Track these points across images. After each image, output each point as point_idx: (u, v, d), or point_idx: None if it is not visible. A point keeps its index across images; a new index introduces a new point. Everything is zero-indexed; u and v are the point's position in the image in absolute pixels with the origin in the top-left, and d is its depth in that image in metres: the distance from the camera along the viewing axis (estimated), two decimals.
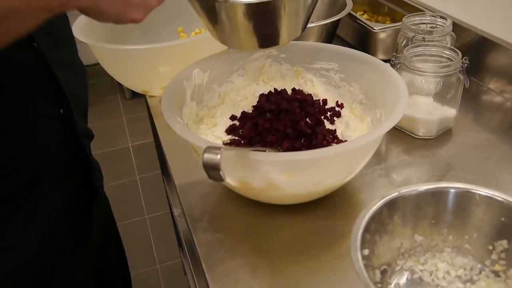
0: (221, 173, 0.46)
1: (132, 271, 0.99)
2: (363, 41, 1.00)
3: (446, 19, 0.81)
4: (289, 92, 0.73)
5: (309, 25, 0.90)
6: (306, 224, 0.60)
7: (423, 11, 0.97)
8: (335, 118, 0.70)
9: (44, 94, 0.60)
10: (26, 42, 0.56)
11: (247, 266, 0.56)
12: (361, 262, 0.43)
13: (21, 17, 0.40)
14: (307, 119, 0.67)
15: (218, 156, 0.46)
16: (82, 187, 0.69)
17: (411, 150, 0.73)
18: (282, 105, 0.68)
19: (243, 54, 0.73)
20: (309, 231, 0.59)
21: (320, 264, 0.55)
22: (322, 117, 0.69)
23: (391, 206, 0.50)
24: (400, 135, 0.76)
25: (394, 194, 0.50)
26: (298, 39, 0.67)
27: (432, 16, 0.83)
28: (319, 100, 0.72)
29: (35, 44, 0.58)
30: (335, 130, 0.67)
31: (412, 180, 0.67)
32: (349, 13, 0.97)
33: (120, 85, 2.75)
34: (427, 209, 0.52)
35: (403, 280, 0.51)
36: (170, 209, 1.41)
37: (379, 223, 0.49)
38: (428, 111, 0.72)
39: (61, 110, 0.62)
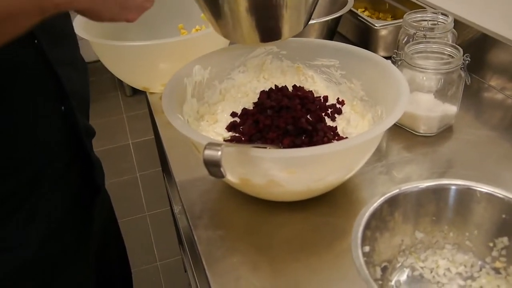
0: (222, 169, 0.46)
1: (132, 268, 0.99)
2: (364, 38, 1.00)
3: (448, 16, 0.81)
4: (290, 89, 0.73)
5: (310, 22, 0.90)
6: (307, 221, 0.60)
7: (424, 8, 0.97)
8: (336, 115, 0.70)
9: (45, 92, 0.60)
10: (27, 40, 0.56)
11: (248, 263, 0.56)
12: (361, 259, 0.43)
13: (15, 19, 0.40)
14: (308, 116, 0.67)
15: (219, 153, 0.46)
16: (83, 185, 0.69)
17: (412, 147, 0.73)
18: (283, 102, 0.68)
19: (244, 50, 0.73)
20: (309, 228, 0.59)
21: (321, 261, 0.55)
22: (323, 114, 0.69)
23: (392, 203, 0.50)
24: (401, 132, 0.76)
25: (395, 191, 0.50)
26: (299, 35, 0.67)
27: (433, 13, 0.82)
28: (320, 97, 0.72)
29: (36, 42, 0.57)
30: (336, 127, 0.67)
31: (412, 177, 0.67)
32: (350, 10, 0.97)
33: (120, 82, 2.75)
34: (428, 206, 0.52)
35: (403, 277, 0.51)
36: (171, 206, 1.42)
37: (380, 220, 0.49)
38: (429, 108, 0.72)
39: (63, 108, 0.62)
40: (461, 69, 0.71)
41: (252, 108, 0.71)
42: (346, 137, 0.66)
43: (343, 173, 0.59)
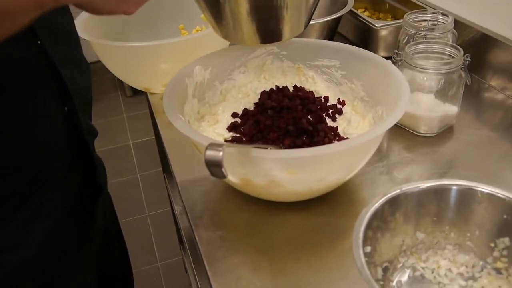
0: (223, 170, 0.46)
1: (133, 269, 0.99)
2: (364, 38, 1.00)
3: (448, 16, 0.81)
4: (291, 89, 0.73)
5: (311, 22, 0.90)
6: (308, 221, 0.60)
7: (425, 8, 0.97)
8: (336, 115, 0.70)
9: (48, 92, 0.60)
10: (29, 40, 0.56)
11: (249, 263, 0.56)
12: (363, 259, 0.43)
13: (14, 14, 0.40)
14: (309, 117, 0.67)
15: (221, 153, 0.46)
16: (85, 186, 0.69)
17: (413, 147, 0.73)
18: (283, 102, 0.68)
19: (244, 51, 0.73)
20: (310, 228, 0.59)
21: (322, 261, 0.55)
22: (324, 114, 0.69)
23: (393, 203, 0.50)
24: (401, 132, 0.76)
25: (396, 191, 0.50)
26: (299, 36, 0.67)
27: (433, 13, 0.82)
28: (321, 97, 0.72)
29: (38, 42, 0.57)
30: (336, 127, 0.67)
31: (413, 177, 0.67)
32: (350, 10, 0.97)
33: (120, 83, 2.75)
34: (429, 206, 0.52)
35: (404, 278, 0.51)
36: (171, 206, 1.42)
37: (381, 220, 0.49)
38: (430, 108, 0.72)
39: (66, 108, 0.62)
40: (461, 69, 0.71)
41: (253, 108, 0.71)
42: (347, 138, 0.66)
43: (344, 174, 0.59)
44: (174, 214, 1.39)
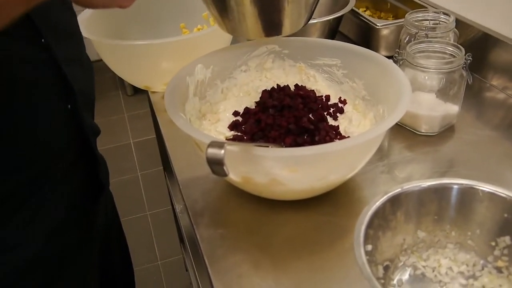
0: (224, 168, 0.46)
1: (133, 267, 0.99)
2: (366, 37, 1.00)
3: (449, 16, 0.81)
4: (292, 88, 0.73)
5: (312, 21, 0.90)
6: (309, 220, 0.60)
7: (426, 8, 0.97)
8: (338, 114, 0.70)
9: (51, 90, 0.59)
10: (33, 38, 0.56)
11: (250, 261, 0.56)
12: (364, 258, 0.43)
13: (1, 9, 0.40)
14: (310, 115, 0.67)
15: (222, 151, 0.46)
16: (87, 184, 0.69)
17: (414, 146, 0.73)
18: (285, 101, 0.68)
19: (246, 50, 0.73)
20: (311, 227, 0.60)
21: (323, 259, 0.55)
22: (325, 113, 0.69)
23: (394, 202, 0.50)
24: (402, 131, 0.76)
25: (397, 190, 0.50)
26: (301, 35, 0.67)
27: (435, 12, 0.82)
28: (322, 96, 0.72)
29: (43, 40, 0.57)
30: (338, 126, 0.67)
31: (414, 176, 0.67)
32: (352, 10, 0.97)
33: (121, 82, 2.75)
34: (430, 205, 0.52)
35: (405, 276, 0.52)
36: (172, 205, 1.42)
37: (382, 219, 0.49)
38: (431, 107, 0.72)
39: (69, 106, 0.62)
40: (463, 68, 0.71)
41: (254, 107, 0.71)
42: (348, 136, 0.66)
43: (345, 172, 0.59)
44: (174, 212, 1.40)
